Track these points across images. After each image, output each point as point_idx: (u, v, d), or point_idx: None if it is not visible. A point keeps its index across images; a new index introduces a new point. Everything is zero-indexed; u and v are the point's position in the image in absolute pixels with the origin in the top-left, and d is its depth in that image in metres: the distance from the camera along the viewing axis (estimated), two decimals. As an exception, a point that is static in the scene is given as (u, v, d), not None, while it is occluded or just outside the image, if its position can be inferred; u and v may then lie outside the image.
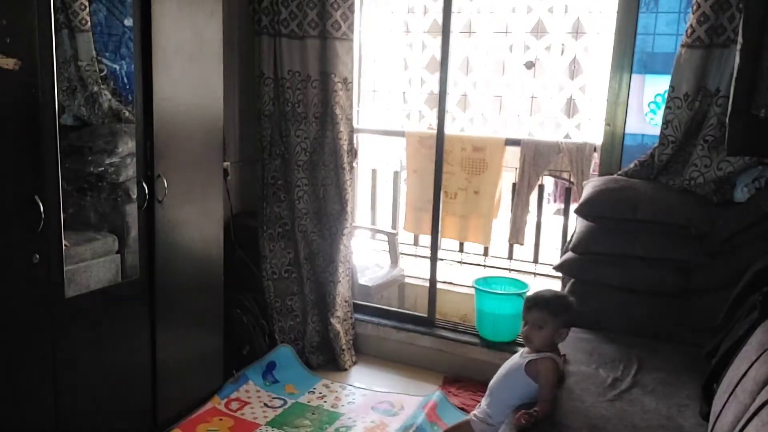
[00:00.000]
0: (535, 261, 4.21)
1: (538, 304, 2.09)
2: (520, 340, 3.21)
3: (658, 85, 2.71)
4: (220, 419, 2.77)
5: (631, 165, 2.66)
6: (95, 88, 2.43)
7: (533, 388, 2.01)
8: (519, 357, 2.13)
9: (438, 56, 3.12)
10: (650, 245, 2.41)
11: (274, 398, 2.98)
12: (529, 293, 2.22)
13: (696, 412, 1.89)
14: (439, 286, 3.50)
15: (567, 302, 2.14)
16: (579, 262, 2.55)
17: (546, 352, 2.06)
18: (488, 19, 4.73)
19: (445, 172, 3.39)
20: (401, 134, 4.15)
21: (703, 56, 2.43)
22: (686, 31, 2.45)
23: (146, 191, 2.37)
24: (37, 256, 1.97)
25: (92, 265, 2.29)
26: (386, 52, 4.60)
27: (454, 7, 3.06)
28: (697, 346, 2.22)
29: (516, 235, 3.79)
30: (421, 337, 3.30)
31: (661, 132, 2.55)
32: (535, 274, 4.20)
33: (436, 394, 2.92)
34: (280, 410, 2.89)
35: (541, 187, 4.15)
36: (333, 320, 3.28)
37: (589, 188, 2.58)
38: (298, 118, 3.16)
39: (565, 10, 4.51)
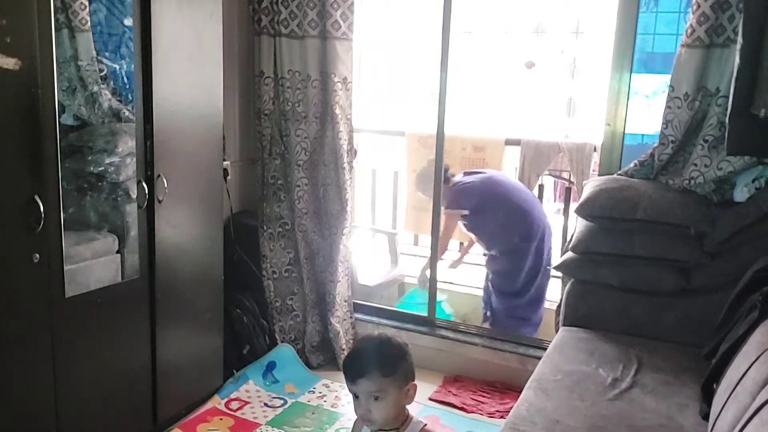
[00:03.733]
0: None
1: (363, 369, 1.50)
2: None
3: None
4: (220, 419, 2.77)
5: (631, 165, 2.66)
6: (95, 88, 2.43)
7: None
8: None
9: (438, 56, 3.12)
10: (650, 245, 2.40)
11: (274, 398, 2.98)
12: (349, 352, 1.61)
13: (696, 412, 1.89)
14: (439, 286, 3.50)
15: (397, 349, 1.55)
16: (579, 262, 2.55)
17: (405, 423, 1.56)
18: (488, 19, 4.74)
19: (446, 172, 3.40)
20: (401, 134, 4.16)
21: (703, 56, 2.42)
22: (686, 30, 2.45)
23: (146, 191, 2.37)
24: (37, 255, 1.97)
25: (92, 265, 2.29)
26: (386, 52, 4.60)
27: (454, 7, 3.05)
28: (697, 346, 2.22)
29: (516, 235, 3.79)
30: (421, 336, 3.30)
31: (661, 132, 2.55)
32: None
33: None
34: (280, 410, 2.89)
35: (541, 187, 4.16)
36: (333, 320, 3.28)
37: (589, 188, 2.58)
38: (298, 117, 3.16)
39: (565, 10, 4.51)
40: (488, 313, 3.80)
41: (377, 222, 4.75)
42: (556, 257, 3.01)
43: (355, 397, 1.52)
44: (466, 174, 3.75)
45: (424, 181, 3.73)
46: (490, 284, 3.79)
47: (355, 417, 1.59)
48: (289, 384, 3.09)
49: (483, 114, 4.89)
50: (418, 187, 3.91)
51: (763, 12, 2.10)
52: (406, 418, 1.57)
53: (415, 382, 1.56)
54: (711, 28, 2.39)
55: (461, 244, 4.26)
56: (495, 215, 3.64)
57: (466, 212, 3.65)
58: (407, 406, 1.58)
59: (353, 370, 1.52)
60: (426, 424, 1.57)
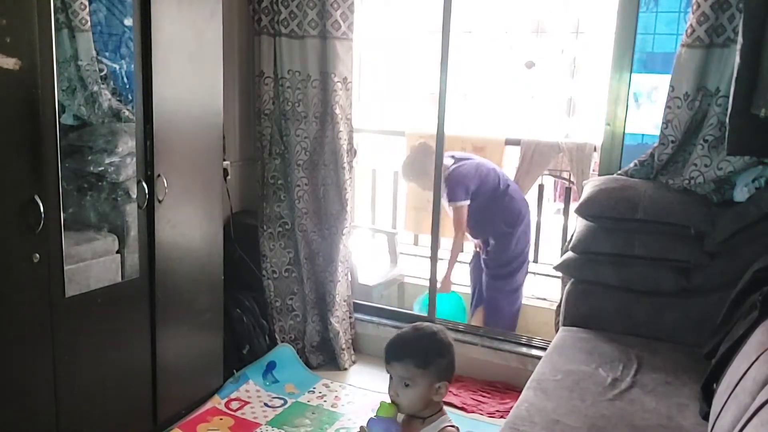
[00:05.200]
0: (535, 261, 4.22)
1: (398, 354, 1.56)
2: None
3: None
4: (221, 419, 2.77)
5: (631, 165, 2.66)
6: (95, 88, 2.43)
7: None
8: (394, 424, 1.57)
9: (438, 56, 3.12)
10: (650, 245, 2.41)
11: (274, 398, 2.98)
12: (392, 337, 1.62)
13: (696, 412, 1.89)
14: (439, 285, 3.49)
15: (438, 346, 1.57)
16: (579, 262, 2.55)
17: (433, 416, 1.58)
18: (488, 19, 4.74)
19: (445, 172, 3.39)
20: (401, 134, 4.16)
21: (703, 56, 2.43)
22: (686, 30, 2.45)
23: (146, 191, 2.37)
24: (37, 255, 1.97)
25: (92, 264, 2.29)
26: (386, 52, 4.61)
27: (454, 7, 3.05)
28: (697, 346, 2.22)
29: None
30: (421, 336, 3.29)
31: (661, 132, 2.55)
32: (535, 273, 4.20)
33: None
34: (280, 410, 2.89)
35: (541, 187, 4.16)
36: (333, 320, 3.28)
37: (589, 188, 2.58)
38: (298, 117, 3.16)
39: (565, 10, 4.52)
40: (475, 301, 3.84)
41: (377, 222, 4.75)
42: (556, 257, 3.01)
43: (390, 377, 1.58)
44: (455, 159, 3.70)
45: (411, 170, 3.75)
46: (482, 264, 3.83)
47: (353, 417, 1.62)
48: (289, 384, 3.09)
49: (483, 114, 4.89)
50: (407, 176, 3.87)
51: (763, 12, 2.10)
52: (436, 412, 1.59)
53: (448, 383, 1.58)
54: (711, 28, 2.39)
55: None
56: (485, 201, 3.67)
57: (468, 202, 3.66)
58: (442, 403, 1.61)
59: (391, 352, 1.57)
60: (453, 427, 1.58)
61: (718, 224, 2.35)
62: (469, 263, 4.03)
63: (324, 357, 3.33)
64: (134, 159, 2.35)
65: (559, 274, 2.83)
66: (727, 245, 2.32)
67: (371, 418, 1.58)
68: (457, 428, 1.59)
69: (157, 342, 2.50)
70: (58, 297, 2.08)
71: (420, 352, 1.55)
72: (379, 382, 3.13)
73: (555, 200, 5.57)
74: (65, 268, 2.09)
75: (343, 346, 3.29)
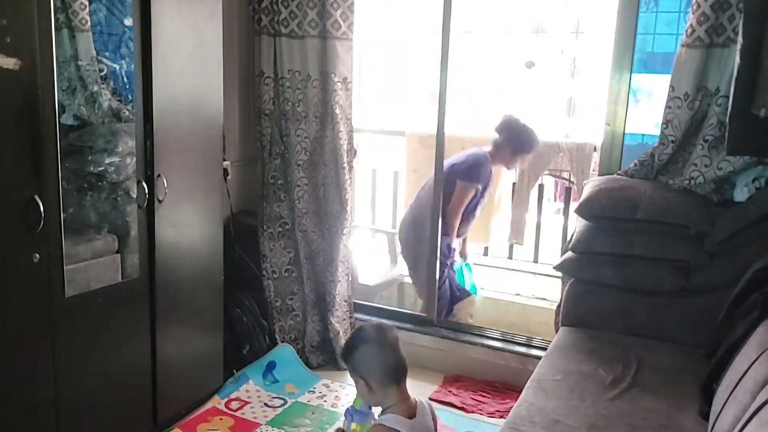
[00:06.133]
0: (535, 261, 4.22)
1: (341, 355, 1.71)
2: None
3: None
4: (220, 419, 2.77)
5: (631, 165, 2.67)
6: (95, 88, 2.43)
7: None
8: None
9: (438, 56, 3.12)
10: (650, 245, 2.41)
11: (274, 398, 2.98)
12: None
13: (696, 412, 1.89)
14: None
15: (350, 342, 1.69)
16: (579, 262, 2.55)
17: (383, 411, 1.65)
18: (488, 19, 4.74)
19: (445, 172, 3.38)
20: (401, 134, 4.16)
21: (703, 56, 2.43)
22: (686, 30, 2.45)
23: (146, 191, 2.37)
24: (37, 255, 1.97)
25: (92, 264, 2.29)
26: (386, 52, 4.60)
27: (454, 7, 3.05)
28: (697, 346, 2.22)
29: (516, 235, 3.79)
30: (421, 336, 3.30)
31: (661, 132, 2.55)
32: (535, 273, 4.20)
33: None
34: (280, 410, 2.89)
35: (541, 187, 4.16)
36: (333, 320, 3.28)
37: (589, 188, 2.58)
38: (299, 117, 3.16)
39: (565, 10, 4.52)
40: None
41: (377, 222, 4.75)
42: (557, 257, 3.01)
43: None
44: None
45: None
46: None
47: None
48: (289, 384, 3.09)
49: (483, 114, 4.89)
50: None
51: (763, 12, 2.10)
52: (385, 409, 1.64)
53: (367, 379, 1.62)
54: (711, 28, 2.39)
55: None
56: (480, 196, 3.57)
57: (479, 187, 3.50)
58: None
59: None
60: (380, 426, 1.62)
61: (718, 224, 2.35)
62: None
63: (324, 357, 3.33)
64: (134, 159, 2.35)
65: (559, 274, 2.83)
66: (727, 245, 2.32)
67: (347, 408, 1.71)
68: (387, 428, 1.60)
69: (157, 342, 2.50)
70: (58, 297, 2.08)
71: (342, 351, 1.72)
72: (379, 382, 3.14)
73: (555, 200, 5.57)
74: (65, 268, 2.09)
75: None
